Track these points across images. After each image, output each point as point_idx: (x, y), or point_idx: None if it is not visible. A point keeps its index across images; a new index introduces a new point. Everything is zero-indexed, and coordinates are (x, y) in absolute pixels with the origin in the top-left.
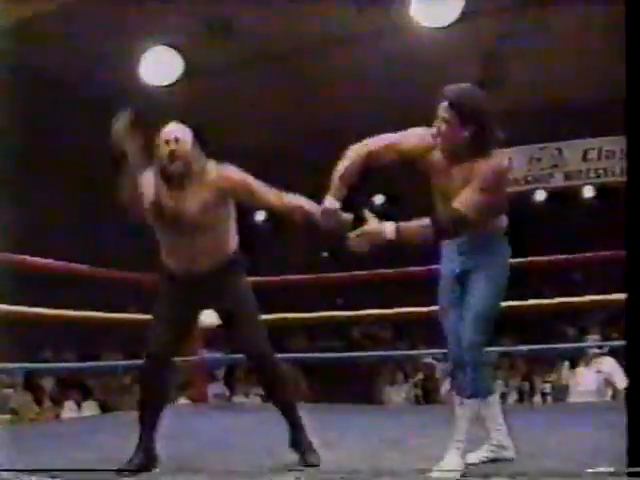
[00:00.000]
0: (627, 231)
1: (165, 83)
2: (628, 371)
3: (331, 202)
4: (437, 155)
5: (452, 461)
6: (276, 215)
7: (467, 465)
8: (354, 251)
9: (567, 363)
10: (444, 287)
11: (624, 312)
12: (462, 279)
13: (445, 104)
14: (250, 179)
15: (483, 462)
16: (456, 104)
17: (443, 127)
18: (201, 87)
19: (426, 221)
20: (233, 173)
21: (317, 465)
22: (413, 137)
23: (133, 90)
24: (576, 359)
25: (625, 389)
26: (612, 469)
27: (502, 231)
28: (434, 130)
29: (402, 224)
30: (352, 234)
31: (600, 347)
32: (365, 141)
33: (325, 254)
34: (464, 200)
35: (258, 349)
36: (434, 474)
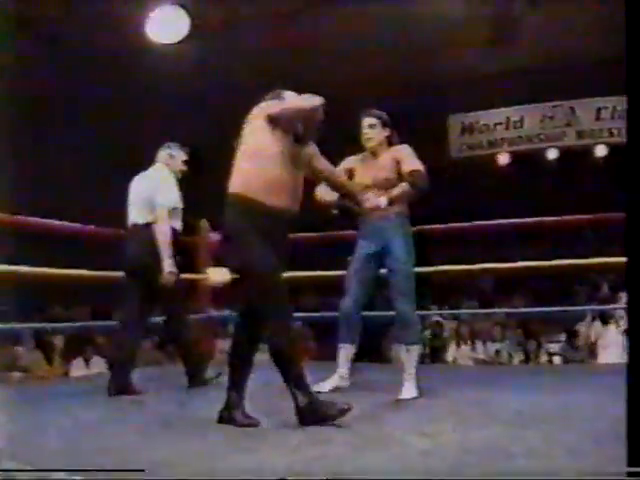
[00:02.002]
0: (628, 193)
1: (172, 41)
2: (630, 347)
3: (376, 197)
4: (360, 163)
5: (412, 388)
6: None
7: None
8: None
9: (598, 321)
10: (361, 261)
11: (625, 277)
12: (379, 254)
13: (368, 117)
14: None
15: (332, 390)
16: (377, 115)
17: (371, 131)
18: (207, 45)
19: (405, 186)
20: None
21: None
22: (350, 161)
23: (140, 48)
24: (607, 318)
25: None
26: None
27: (407, 215)
28: (364, 137)
29: (392, 194)
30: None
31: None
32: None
33: (335, 212)
34: (414, 164)
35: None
36: (403, 395)
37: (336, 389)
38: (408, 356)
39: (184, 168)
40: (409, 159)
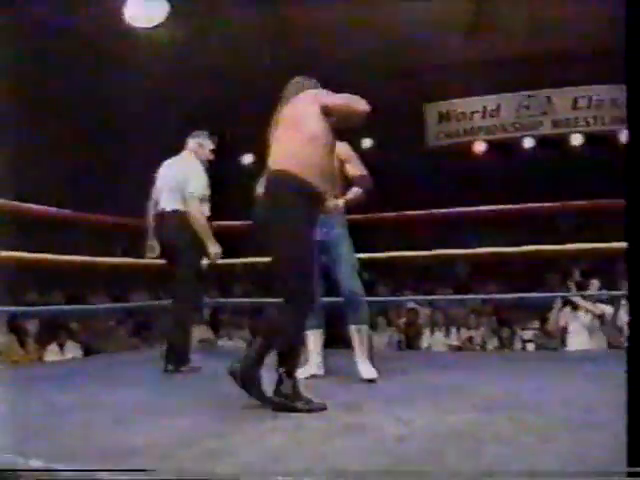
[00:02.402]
0: (626, 181)
1: (150, 25)
2: (630, 336)
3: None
4: None
5: (368, 368)
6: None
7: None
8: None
9: (567, 307)
10: None
11: (626, 263)
12: (323, 245)
13: None
14: None
15: (307, 377)
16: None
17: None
18: (185, 29)
19: (358, 191)
20: None
21: None
22: None
23: (118, 32)
24: (576, 304)
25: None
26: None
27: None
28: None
29: (347, 198)
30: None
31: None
32: None
33: None
34: (360, 168)
35: None
36: (365, 375)
37: (311, 377)
38: (359, 336)
39: (211, 157)
40: (355, 161)
